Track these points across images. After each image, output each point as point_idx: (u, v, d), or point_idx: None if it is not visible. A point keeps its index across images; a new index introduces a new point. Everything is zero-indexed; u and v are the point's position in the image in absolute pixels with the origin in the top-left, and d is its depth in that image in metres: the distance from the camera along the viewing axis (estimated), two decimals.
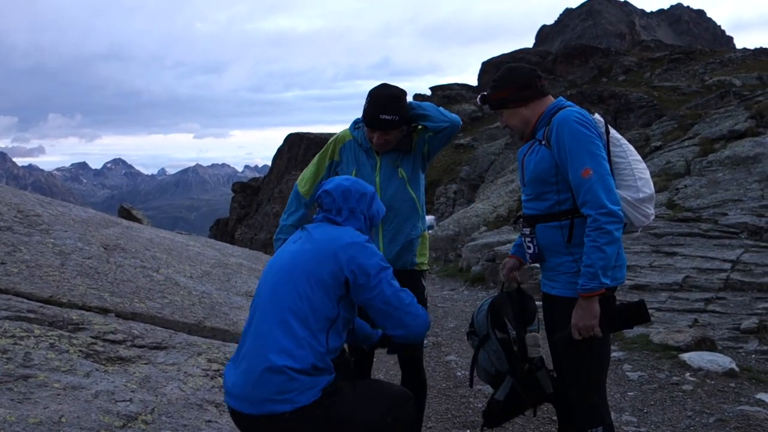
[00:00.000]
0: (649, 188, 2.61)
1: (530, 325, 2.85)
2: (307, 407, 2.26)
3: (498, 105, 2.77)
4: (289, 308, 2.32)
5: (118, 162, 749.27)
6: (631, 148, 2.69)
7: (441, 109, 3.21)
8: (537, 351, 2.78)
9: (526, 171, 2.71)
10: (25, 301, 3.55)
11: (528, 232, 2.71)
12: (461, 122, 3.30)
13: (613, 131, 2.66)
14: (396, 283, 2.46)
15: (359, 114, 3.21)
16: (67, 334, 3.32)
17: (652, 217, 2.67)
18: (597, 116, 2.66)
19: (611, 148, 2.61)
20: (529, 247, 2.73)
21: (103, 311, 3.84)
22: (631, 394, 4.59)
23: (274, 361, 2.24)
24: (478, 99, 2.89)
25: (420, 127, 3.23)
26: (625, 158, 2.62)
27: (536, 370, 2.78)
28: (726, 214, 9.88)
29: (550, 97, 2.75)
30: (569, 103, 2.70)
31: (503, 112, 2.77)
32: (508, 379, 2.90)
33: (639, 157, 2.68)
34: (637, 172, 2.60)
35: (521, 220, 2.80)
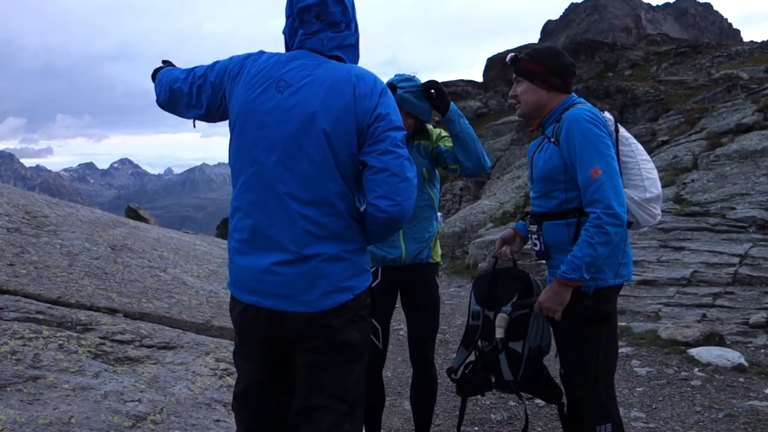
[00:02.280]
0: (657, 188, 2.60)
1: (505, 306, 2.80)
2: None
3: (525, 74, 2.69)
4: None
5: (124, 162, 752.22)
6: (640, 147, 2.67)
7: (481, 147, 3.13)
8: (500, 332, 2.75)
9: (535, 168, 2.70)
10: (34, 302, 3.57)
11: (535, 230, 2.71)
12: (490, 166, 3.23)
13: (622, 130, 2.65)
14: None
15: None
16: (75, 334, 3.33)
17: (659, 217, 2.66)
18: (607, 114, 2.64)
19: (620, 147, 2.59)
20: (535, 244, 2.73)
21: (112, 311, 3.86)
22: (640, 389, 4.58)
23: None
24: (508, 57, 2.75)
25: (438, 142, 3.23)
26: (633, 158, 2.60)
27: (498, 353, 2.77)
28: (734, 208, 9.82)
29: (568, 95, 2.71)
30: (581, 99, 2.67)
31: (524, 82, 2.70)
32: (462, 350, 2.95)
33: (647, 157, 2.66)
34: (644, 172, 2.59)
35: (528, 216, 2.80)
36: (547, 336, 2.81)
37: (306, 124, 1.95)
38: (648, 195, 2.57)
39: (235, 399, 2.22)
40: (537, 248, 2.72)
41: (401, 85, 3.05)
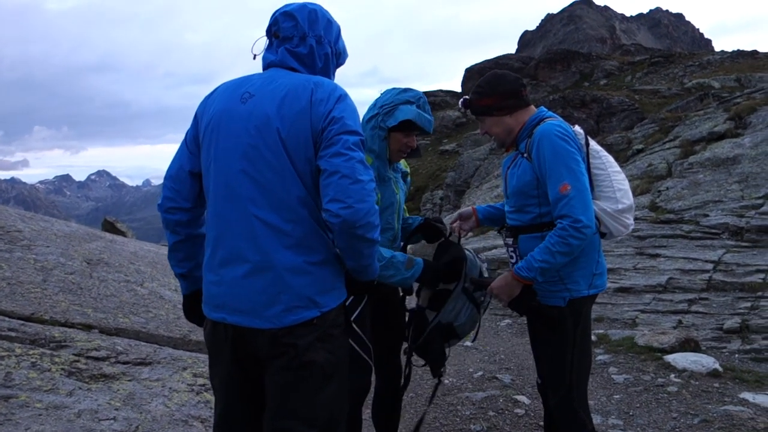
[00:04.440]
0: (628, 199, 2.65)
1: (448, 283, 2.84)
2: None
3: (482, 112, 2.76)
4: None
5: (102, 174, 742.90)
6: (611, 159, 2.72)
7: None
8: (423, 301, 2.87)
9: (509, 184, 2.74)
10: (6, 319, 3.51)
11: (511, 242, 2.75)
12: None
13: (593, 143, 2.69)
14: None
15: None
16: (49, 352, 3.28)
17: (632, 227, 2.72)
18: (577, 128, 2.69)
19: (591, 160, 2.64)
20: (512, 257, 2.77)
21: (86, 327, 3.81)
22: (617, 396, 4.62)
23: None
24: (460, 103, 2.86)
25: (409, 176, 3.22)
26: (604, 170, 2.65)
27: (415, 318, 2.88)
28: (707, 215, 9.99)
29: (533, 107, 2.76)
30: (551, 114, 2.72)
31: (486, 119, 2.76)
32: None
33: (618, 168, 2.72)
34: (616, 184, 2.65)
35: (504, 230, 2.83)
36: (463, 318, 2.81)
37: (263, 130, 1.95)
38: (620, 206, 2.62)
39: (215, 428, 2.13)
40: (513, 260, 2.76)
41: (407, 99, 2.83)
